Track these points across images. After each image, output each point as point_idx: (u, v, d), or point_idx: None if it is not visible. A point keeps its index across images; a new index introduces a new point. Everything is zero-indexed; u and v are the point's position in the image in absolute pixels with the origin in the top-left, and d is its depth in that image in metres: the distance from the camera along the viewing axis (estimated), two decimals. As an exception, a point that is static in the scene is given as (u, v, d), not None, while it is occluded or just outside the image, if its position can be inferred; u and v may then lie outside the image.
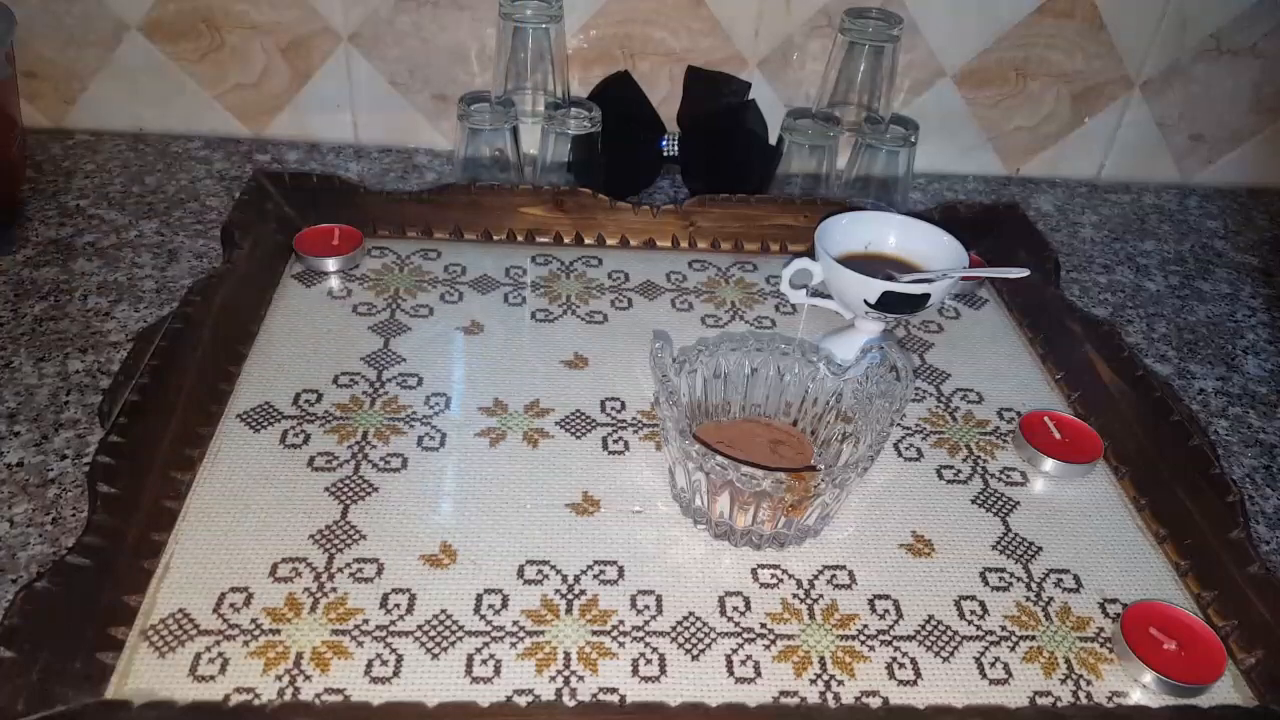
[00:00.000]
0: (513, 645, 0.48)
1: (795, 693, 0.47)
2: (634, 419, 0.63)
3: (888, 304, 0.63)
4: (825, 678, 0.48)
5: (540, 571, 0.52)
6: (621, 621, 0.49)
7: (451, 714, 0.44)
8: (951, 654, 0.49)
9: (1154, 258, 0.92)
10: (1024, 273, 0.64)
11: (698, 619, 0.50)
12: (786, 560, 0.54)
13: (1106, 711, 0.48)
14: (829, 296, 0.68)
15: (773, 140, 0.92)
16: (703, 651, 0.48)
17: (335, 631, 0.47)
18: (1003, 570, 0.54)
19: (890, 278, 0.63)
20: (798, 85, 0.98)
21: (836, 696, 0.47)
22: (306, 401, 0.61)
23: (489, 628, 0.48)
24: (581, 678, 0.46)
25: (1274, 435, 0.70)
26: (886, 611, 0.51)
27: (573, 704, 0.45)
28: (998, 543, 0.56)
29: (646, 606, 0.50)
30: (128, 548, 0.49)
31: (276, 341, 0.66)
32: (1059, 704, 0.48)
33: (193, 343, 0.62)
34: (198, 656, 0.46)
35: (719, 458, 0.50)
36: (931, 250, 0.67)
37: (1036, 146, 1.04)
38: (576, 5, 0.92)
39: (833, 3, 0.93)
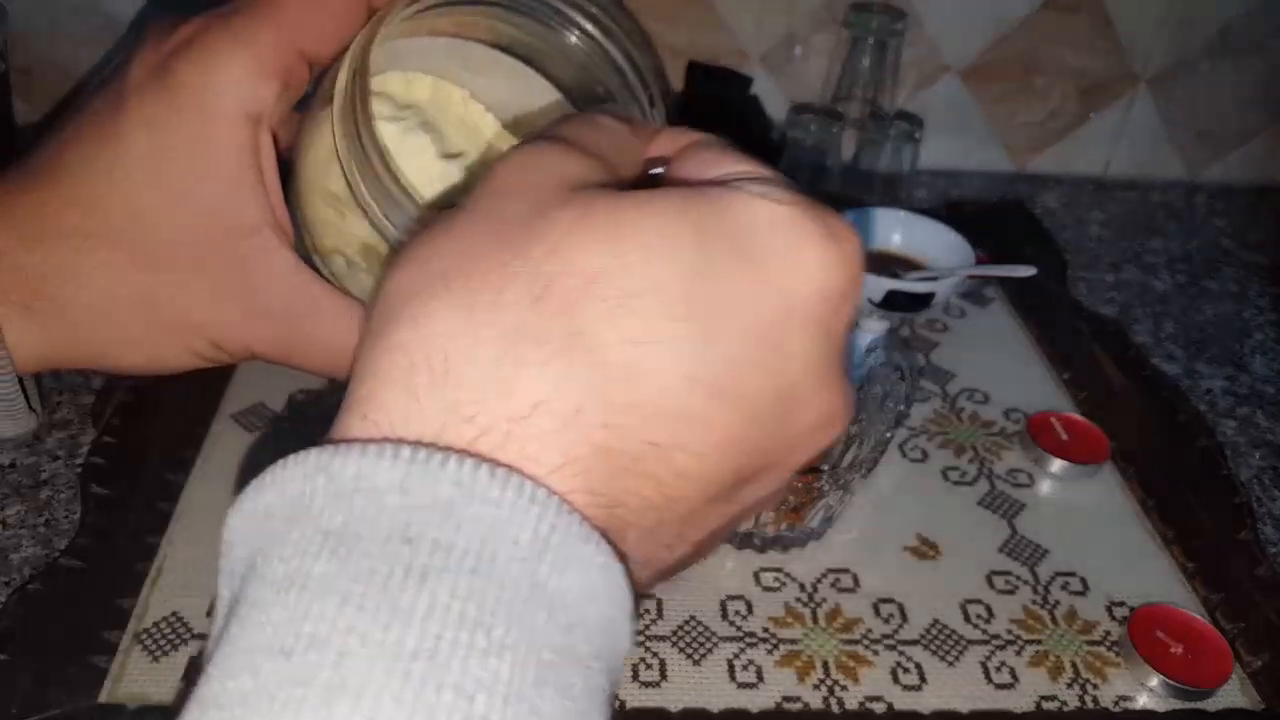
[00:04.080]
0: (511, 649, 0.47)
1: (798, 698, 0.46)
2: (635, 419, 0.62)
3: (892, 302, 0.62)
4: (829, 683, 0.47)
5: (539, 574, 0.51)
6: (622, 625, 0.49)
7: None
8: (957, 658, 0.49)
9: (1161, 256, 0.91)
10: (1031, 271, 0.64)
11: (699, 623, 0.49)
12: (789, 563, 0.53)
13: (1113, 716, 0.47)
14: (832, 295, 0.68)
15: (774, 137, 0.91)
16: (704, 656, 0.48)
17: (331, 635, 0.47)
18: (1009, 573, 0.54)
19: (895, 276, 0.62)
20: (800, 80, 0.97)
21: (840, 702, 0.46)
22: (302, 402, 0.61)
23: (487, 631, 0.48)
24: (581, 683, 0.46)
25: (1282, 435, 0.69)
26: (891, 615, 0.51)
27: (572, 709, 0.44)
28: (1004, 545, 0.55)
29: (647, 610, 0.50)
30: (121, 550, 0.49)
31: (274, 340, 0.66)
32: (1065, 709, 0.47)
33: (189, 341, 0.61)
34: (192, 660, 0.45)
35: (721, 459, 0.49)
36: (937, 248, 0.67)
37: (1042, 143, 1.03)
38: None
39: (836, -3, 0.92)
